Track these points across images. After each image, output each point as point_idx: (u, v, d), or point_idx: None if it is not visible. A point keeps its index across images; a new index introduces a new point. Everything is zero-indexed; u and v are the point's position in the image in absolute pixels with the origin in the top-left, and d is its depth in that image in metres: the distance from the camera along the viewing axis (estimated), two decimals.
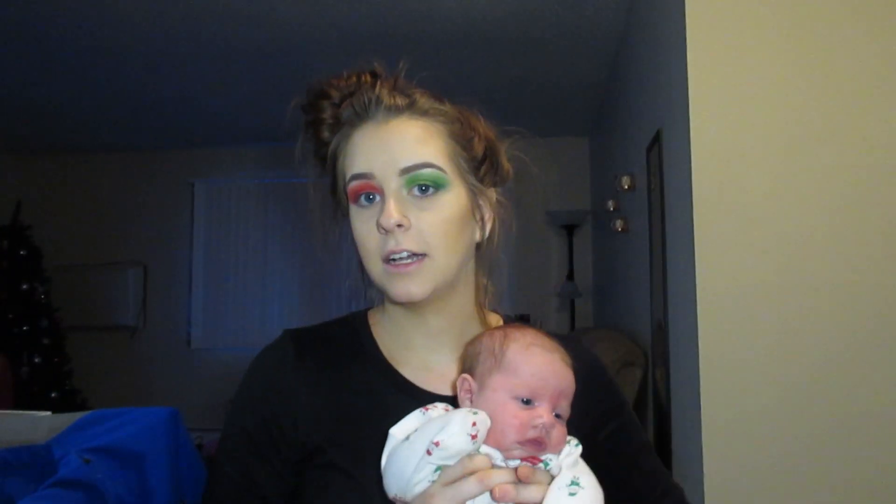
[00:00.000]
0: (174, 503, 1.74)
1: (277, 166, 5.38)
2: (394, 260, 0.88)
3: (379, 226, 0.88)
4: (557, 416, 0.82)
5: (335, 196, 0.98)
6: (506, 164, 1.00)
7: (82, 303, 5.50)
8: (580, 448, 0.84)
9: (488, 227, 0.97)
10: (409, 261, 0.88)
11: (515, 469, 0.79)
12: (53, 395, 4.81)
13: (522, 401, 0.81)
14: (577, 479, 0.80)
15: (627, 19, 3.27)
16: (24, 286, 4.92)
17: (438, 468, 0.79)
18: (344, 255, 1.00)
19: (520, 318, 1.07)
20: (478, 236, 0.96)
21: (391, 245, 0.87)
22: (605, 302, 4.77)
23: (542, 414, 0.80)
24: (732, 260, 1.94)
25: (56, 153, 5.84)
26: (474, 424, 0.77)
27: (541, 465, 0.81)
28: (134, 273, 5.75)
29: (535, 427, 0.79)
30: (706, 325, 1.94)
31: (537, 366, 0.83)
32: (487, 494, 0.78)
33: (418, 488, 0.79)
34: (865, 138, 1.92)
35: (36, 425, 1.83)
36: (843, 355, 1.89)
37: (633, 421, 1.04)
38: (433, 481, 0.79)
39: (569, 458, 0.83)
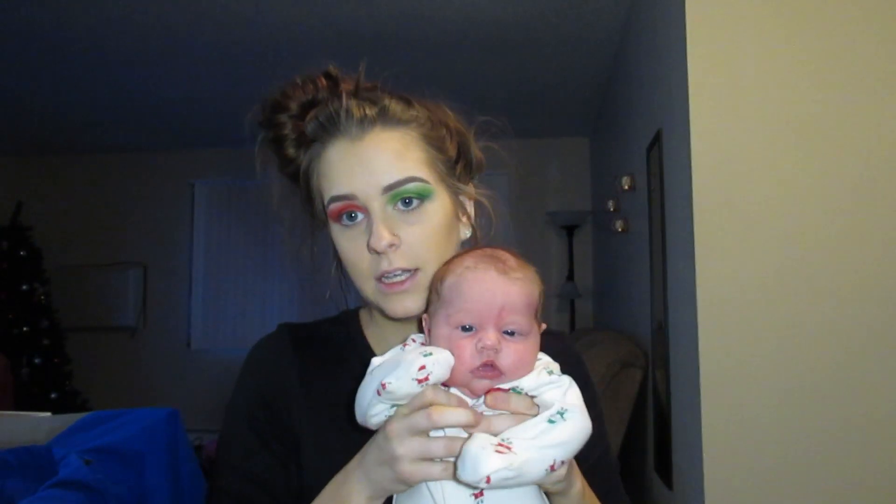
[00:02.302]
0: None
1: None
2: (386, 278, 0.87)
3: (370, 248, 0.86)
4: (510, 332, 0.78)
5: (309, 208, 0.95)
6: (478, 154, 0.98)
7: (82, 303, 5.50)
8: (566, 378, 0.79)
9: (472, 222, 0.96)
10: (402, 277, 0.86)
11: (480, 405, 0.76)
12: (53, 395, 4.81)
13: (464, 328, 0.78)
14: (565, 411, 0.75)
15: (627, 19, 3.27)
16: (24, 287, 4.92)
17: (394, 405, 0.77)
18: (322, 265, 0.99)
19: None
20: (463, 235, 0.95)
21: (384, 266, 0.86)
22: (605, 303, 4.77)
23: (484, 336, 0.76)
24: (732, 260, 1.94)
25: (56, 153, 5.84)
26: (422, 368, 0.74)
27: (510, 391, 0.77)
28: (134, 273, 5.75)
29: (479, 352, 0.76)
30: (706, 326, 1.94)
31: (470, 289, 0.79)
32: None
33: (374, 420, 0.79)
34: (866, 138, 1.92)
35: (36, 426, 1.83)
36: (844, 356, 1.89)
37: (601, 428, 0.99)
38: (389, 416, 0.78)
39: (552, 387, 0.78)
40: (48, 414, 1.93)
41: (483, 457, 0.69)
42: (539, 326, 0.82)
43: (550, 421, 0.74)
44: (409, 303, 0.87)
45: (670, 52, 2.25)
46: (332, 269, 0.98)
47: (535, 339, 0.81)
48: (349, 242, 0.89)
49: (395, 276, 0.86)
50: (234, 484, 0.90)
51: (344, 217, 0.88)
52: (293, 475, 0.91)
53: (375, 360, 0.81)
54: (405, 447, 0.74)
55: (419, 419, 0.74)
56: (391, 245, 0.85)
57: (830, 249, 1.91)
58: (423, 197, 0.87)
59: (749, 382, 1.92)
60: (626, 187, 3.21)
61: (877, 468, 1.86)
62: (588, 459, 0.90)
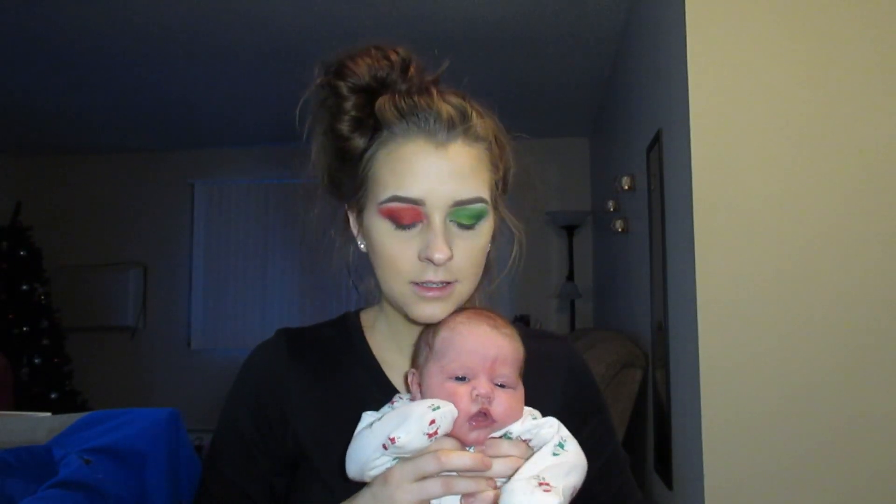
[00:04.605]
0: None
1: (278, 167, 5.38)
2: (426, 284, 0.86)
3: (424, 257, 0.84)
4: (501, 385, 0.81)
5: (350, 187, 0.91)
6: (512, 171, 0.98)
7: (82, 304, 5.50)
8: (551, 418, 0.83)
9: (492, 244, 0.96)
10: (439, 285, 0.86)
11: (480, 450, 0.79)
12: (53, 395, 4.81)
13: (456, 378, 0.81)
14: (564, 441, 0.80)
15: (627, 19, 3.26)
16: (24, 287, 4.92)
17: (397, 458, 0.79)
18: (335, 252, 0.98)
19: (519, 319, 1.07)
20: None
21: (430, 275, 0.85)
22: (605, 303, 4.77)
23: (478, 385, 0.80)
24: (732, 260, 1.94)
25: (56, 154, 5.84)
26: (432, 422, 0.76)
27: (502, 438, 0.81)
28: (134, 273, 5.75)
29: (474, 400, 0.79)
30: (706, 327, 1.94)
31: (465, 341, 0.83)
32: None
33: (373, 473, 0.80)
34: (865, 139, 1.92)
35: (36, 426, 1.83)
36: (843, 356, 1.89)
37: (609, 427, 1.02)
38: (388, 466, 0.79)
39: (544, 425, 0.81)
40: (48, 414, 1.92)
41: (536, 501, 0.72)
42: (521, 384, 0.85)
43: (554, 454, 0.78)
44: (439, 311, 0.87)
45: (670, 52, 2.25)
46: (350, 255, 0.97)
47: (521, 393, 0.84)
48: (397, 243, 0.86)
49: (435, 283, 0.86)
50: (218, 489, 0.93)
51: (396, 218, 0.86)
52: (279, 487, 0.92)
53: (367, 416, 0.83)
54: (404, 491, 0.76)
55: (427, 464, 0.76)
56: (448, 259, 0.85)
57: (830, 249, 1.91)
58: (480, 218, 0.87)
59: (749, 382, 1.92)
60: (626, 187, 3.21)
61: (877, 468, 1.86)
62: (600, 457, 0.92)
